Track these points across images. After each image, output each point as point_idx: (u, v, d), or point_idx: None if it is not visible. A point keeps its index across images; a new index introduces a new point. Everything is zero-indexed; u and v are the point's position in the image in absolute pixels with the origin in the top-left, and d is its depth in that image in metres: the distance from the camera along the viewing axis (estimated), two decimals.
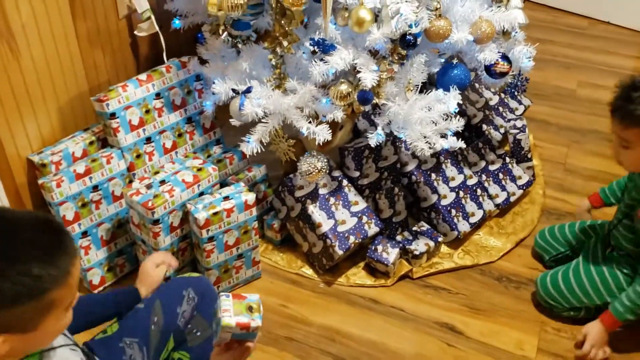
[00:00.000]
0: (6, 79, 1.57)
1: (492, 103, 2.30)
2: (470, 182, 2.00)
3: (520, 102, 2.39)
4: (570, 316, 1.70)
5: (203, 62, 1.85)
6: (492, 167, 2.09)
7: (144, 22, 1.90)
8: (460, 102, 2.10)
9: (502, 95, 2.35)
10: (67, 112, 1.77)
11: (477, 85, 2.28)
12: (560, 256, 1.83)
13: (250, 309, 1.15)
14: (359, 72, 1.54)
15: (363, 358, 1.62)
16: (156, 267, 1.37)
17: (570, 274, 1.68)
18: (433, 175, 1.94)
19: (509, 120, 2.25)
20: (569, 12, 3.43)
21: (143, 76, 1.76)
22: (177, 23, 1.88)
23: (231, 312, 1.13)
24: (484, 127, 2.18)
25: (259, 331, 1.15)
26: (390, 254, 1.78)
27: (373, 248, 1.81)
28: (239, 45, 1.77)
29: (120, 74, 1.92)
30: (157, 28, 1.90)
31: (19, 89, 1.61)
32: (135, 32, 1.93)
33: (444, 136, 1.66)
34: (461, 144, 1.68)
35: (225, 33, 1.71)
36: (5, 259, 0.83)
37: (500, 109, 2.30)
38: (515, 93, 2.28)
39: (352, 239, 1.75)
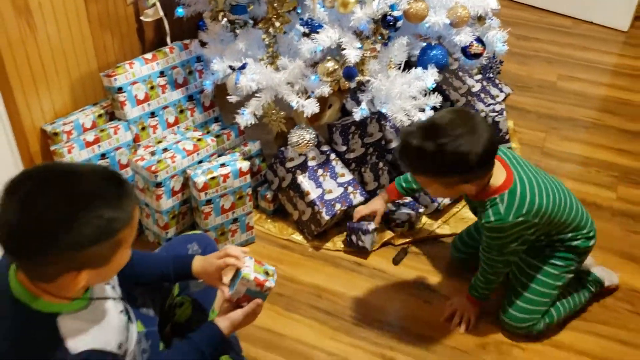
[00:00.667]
0: (24, 53, 1.73)
1: (474, 90, 2.45)
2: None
3: (501, 90, 2.54)
4: (547, 325, 1.68)
5: (204, 45, 2.02)
6: None
7: (150, 9, 2.06)
8: (444, 87, 2.28)
9: (484, 83, 2.50)
10: (78, 88, 1.93)
11: (460, 73, 2.44)
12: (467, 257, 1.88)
13: (266, 273, 1.34)
14: (343, 49, 1.70)
15: (348, 312, 1.76)
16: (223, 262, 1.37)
17: (519, 289, 1.67)
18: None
19: (489, 105, 2.40)
20: (553, 12, 3.59)
21: (148, 55, 1.92)
22: (180, 11, 2.05)
23: (251, 269, 1.32)
24: None
25: (269, 293, 1.33)
26: (365, 241, 1.89)
27: (349, 240, 1.92)
28: (237, 30, 1.93)
29: (127, 56, 2.07)
30: (162, 14, 2.06)
31: (35, 63, 1.77)
32: (142, 18, 2.09)
33: (422, 110, 1.81)
34: None
35: (225, 19, 1.88)
36: (82, 208, 0.95)
37: (482, 95, 2.45)
38: (491, 75, 2.43)
39: (338, 206, 1.90)
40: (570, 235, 1.63)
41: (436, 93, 1.83)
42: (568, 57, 3.17)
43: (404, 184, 1.80)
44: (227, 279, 1.37)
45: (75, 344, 1.04)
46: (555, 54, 3.18)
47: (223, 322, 1.34)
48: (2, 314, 1.05)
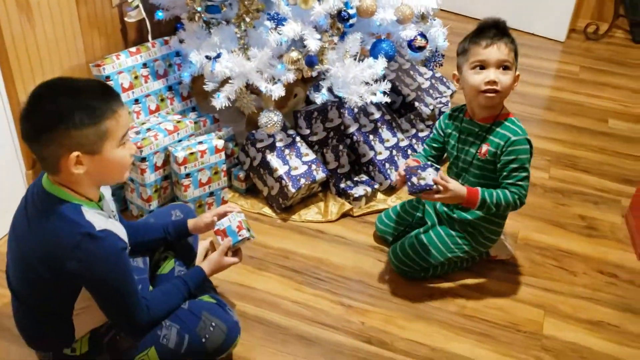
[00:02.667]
0: (24, 45, 1.96)
1: (424, 87, 2.75)
2: (402, 144, 2.43)
3: (448, 87, 2.85)
4: (421, 277, 1.95)
5: (182, 42, 2.27)
6: (421, 134, 2.54)
7: (133, 10, 2.32)
8: (397, 84, 2.57)
9: (433, 81, 2.81)
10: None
11: (412, 72, 2.74)
12: (400, 234, 2.05)
13: (249, 229, 1.66)
14: (305, 40, 1.98)
15: (311, 269, 2.00)
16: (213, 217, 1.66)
17: (415, 240, 1.92)
18: (371, 137, 2.37)
19: (436, 98, 2.70)
20: None
21: (133, 49, 2.17)
22: (160, 15, 2.31)
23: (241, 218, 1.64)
24: (416, 104, 2.63)
25: (242, 242, 1.64)
26: (426, 177, 1.81)
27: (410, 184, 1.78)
28: (211, 28, 2.19)
29: (112, 51, 2.30)
30: (144, 15, 2.32)
31: (33, 55, 2.00)
32: (126, 19, 2.34)
33: (374, 94, 2.09)
34: (386, 99, 2.10)
35: (201, 19, 2.14)
36: (72, 97, 1.25)
37: (431, 91, 2.76)
38: (433, 67, 2.74)
39: (302, 180, 2.16)
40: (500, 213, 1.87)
41: (386, 80, 2.11)
42: None
43: (423, 153, 1.98)
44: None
45: (98, 224, 1.30)
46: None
47: (205, 264, 1.60)
48: (38, 203, 1.33)
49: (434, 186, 1.70)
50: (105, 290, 1.36)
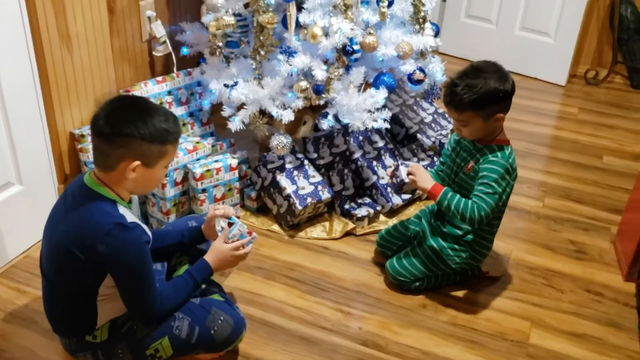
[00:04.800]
0: (63, 70, 2.20)
1: (426, 121, 2.95)
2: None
3: (449, 122, 3.04)
4: (416, 287, 2.08)
5: (203, 74, 2.50)
6: (422, 163, 2.71)
7: (161, 45, 2.57)
8: (401, 117, 2.77)
9: (435, 116, 3.01)
10: (100, 102, 2.39)
11: (415, 107, 2.95)
12: (399, 249, 2.19)
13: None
14: (313, 71, 2.19)
15: (314, 280, 2.16)
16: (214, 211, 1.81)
17: (409, 252, 2.09)
18: (374, 162, 2.55)
19: (437, 131, 2.89)
20: None
21: (159, 78, 2.40)
22: (185, 50, 2.56)
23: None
24: (418, 135, 2.82)
25: (253, 242, 1.80)
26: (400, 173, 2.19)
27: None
28: (230, 61, 2.43)
29: (140, 81, 2.55)
30: (170, 49, 2.57)
31: (70, 80, 2.24)
32: (154, 53, 2.59)
33: (375, 121, 2.29)
34: (387, 125, 2.30)
35: (222, 54, 2.38)
36: (149, 115, 1.48)
37: (433, 125, 2.95)
38: (431, 100, 2.94)
39: (309, 199, 2.34)
40: (488, 231, 2.03)
41: (386, 109, 2.31)
42: (514, 104, 3.61)
43: (435, 167, 2.18)
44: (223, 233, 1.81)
45: (129, 217, 1.51)
46: None
47: (208, 255, 1.77)
48: (78, 196, 1.53)
49: (407, 178, 2.02)
50: (126, 276, 1.53)
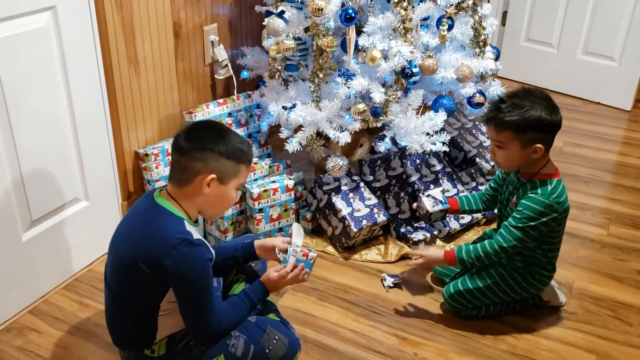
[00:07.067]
0: (130, 92, 2.29)
1: (485, 144, 2.90)
2: (462, 195, 2.57)
3: None
4: (474, 315, 2.04)
5: (262, 96, 2.55)
6: (480, 187, 2.67)
7: (223, 69, 2.64)
8: (459, 140, 2.74)
9: None
10: (164, 123, 2.47)
11: (474, 131, 2.91)
12: (457, 275, 2.14)
13: (310, 251, 1.80)
14: (371, 93, 2.20)
15: (369, 303, 2.14)
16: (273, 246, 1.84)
17: (467, 279, 2.03)
18: (432, 186, 2.52)
19: None
20: (565, 94, 4.07)
21: (220, 100, 2.46)
22: (245, 74, 2.62)
23: (299, 243, 1.79)
24: (477, 159, 2.78)
25: (314, 262, 1.78)
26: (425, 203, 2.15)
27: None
28: (289, 84, 2.47)
29: (202, 104, 2.63)
30: (231, 73, 2.64)
31: (136, 101, 2.33)
32: (216, 76, 2.67)
33: (434, 144, 2.27)
34: (445, 148, 2.27)
35: (281, 77, 2.42)
36: (227, 134, 1.58)
37: None
38: None
39: (364, 222, 2.33)
40: (545, 260, 1.98)
41: (445, 132, 2.29)
42: (576, 129, 3.61)
43: (464, 199, 2.17)
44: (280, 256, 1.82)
45: (196, 235, 1.55)
46: (564, 126, 3.59)
47: (265, 276, 1.78)
48: (149, 211, 1.59)
49: (431, 208, 2.07)
50: (188, 291, 1.56)
